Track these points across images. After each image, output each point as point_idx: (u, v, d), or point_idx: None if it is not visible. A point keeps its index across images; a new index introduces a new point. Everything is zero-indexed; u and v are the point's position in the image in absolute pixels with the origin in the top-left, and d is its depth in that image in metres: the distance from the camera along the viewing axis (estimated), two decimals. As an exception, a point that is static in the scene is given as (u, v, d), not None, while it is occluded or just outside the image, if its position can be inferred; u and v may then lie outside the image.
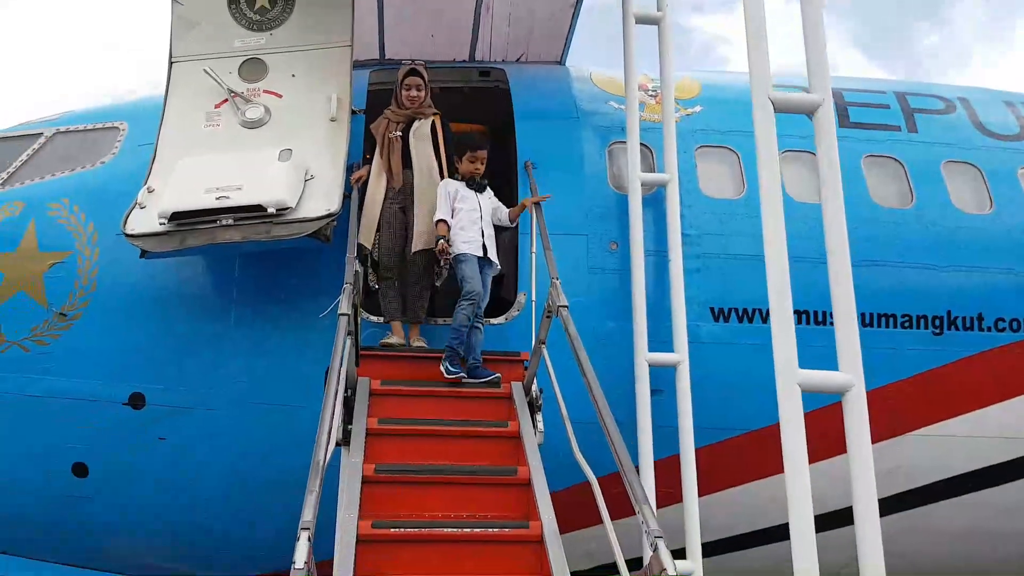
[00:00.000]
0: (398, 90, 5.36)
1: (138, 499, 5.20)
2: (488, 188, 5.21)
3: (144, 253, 4.78)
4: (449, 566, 3.56)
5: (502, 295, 5.49)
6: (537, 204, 5.06)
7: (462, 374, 4.65)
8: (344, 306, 3.84)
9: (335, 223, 4.76)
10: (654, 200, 5.29)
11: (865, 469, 3.13)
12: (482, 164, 5.18)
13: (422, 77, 5.37)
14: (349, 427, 4.30)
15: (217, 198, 4.62)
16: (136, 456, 5.13)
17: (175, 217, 4.62)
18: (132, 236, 4.69)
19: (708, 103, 5.90)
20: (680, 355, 4.86)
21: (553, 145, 5.56)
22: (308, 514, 2.59)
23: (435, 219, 5.03)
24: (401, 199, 5.22)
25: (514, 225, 5.23)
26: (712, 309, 5.16)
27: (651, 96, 5.79)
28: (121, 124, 5.75)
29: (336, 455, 4.47)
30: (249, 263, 5.19)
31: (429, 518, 3.78)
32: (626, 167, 5.33)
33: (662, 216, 5.21)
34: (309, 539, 2.47)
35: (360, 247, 4.94)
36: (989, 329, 5.33)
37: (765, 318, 5.06)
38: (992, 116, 6.11)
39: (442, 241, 4.90)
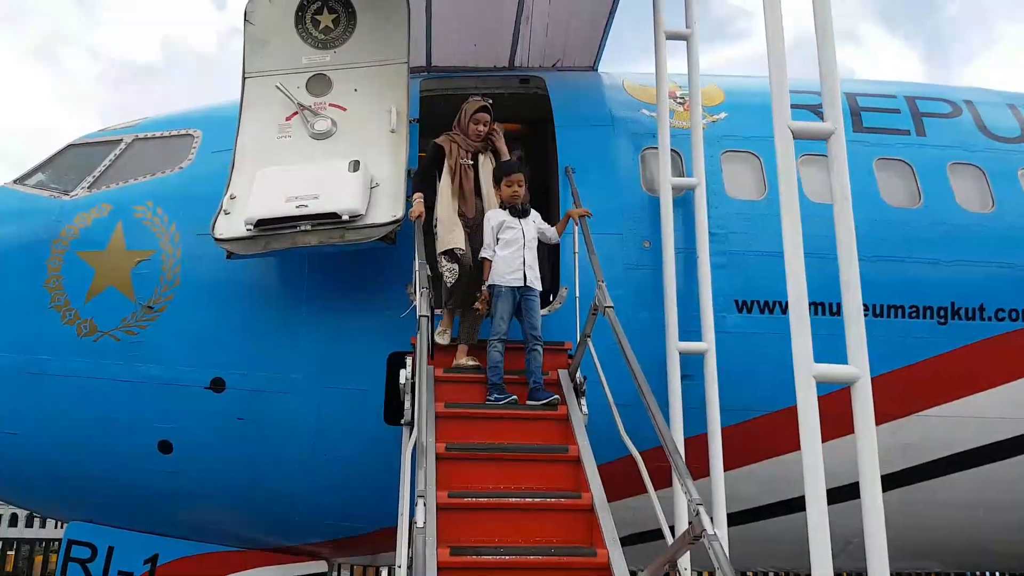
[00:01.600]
0: (465, 119, 5.64)
1: (218, 473, 5.83)
2: (532, 211, 5.44)
3: (230, 255, 5.37)
4: (513, 530, 4.16)
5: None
6: (578, 205, 5.59)
7: (512, 397, 4.92)
8: (423, 308, 4.37)
9: (400, 227, 5.34)
10: (683, 202, 5.83)
11: (870, 449, 3.67)
12: (520, 187, 5.36)
13: (490, 113, 5.69)
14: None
15: (297, 207, 5.19)
16: (217, 435, 5.77)
17: (260, 224, 5.21)
18: (221, 240, 5.28)
19: (732, 110, 6.41)
20: (708, 344, 5.42)
21: (591, 151, 6.09)
22: (421, 485, 3.17)
23: (480, 256, 5.30)
24: (470, 223, 5.51)
25: (558, 241, 5.58)
26: (736, 302, 5.72)
27: (679, 103, 6.31)
28: (195, 132, 6.32)
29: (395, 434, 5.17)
30: (318, 261, 5.76)
31: (493, 490, 4.40)
32: (658, 171, 5.87)
33: (691, 216, 5.76)
34: (424, 504, 3.06)
35: (453, 252, 5.29)
36: (990, 319, 5.87)
37: (784, 309, 5.58)
38: (995, 119, 6.60)
39: (484, 295, 5.18)
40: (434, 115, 6.32)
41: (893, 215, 5.98)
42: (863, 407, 3.77)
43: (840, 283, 3.89)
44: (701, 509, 3.27)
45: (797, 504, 5.22)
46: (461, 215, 5.49)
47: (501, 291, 5.15)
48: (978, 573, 13.30)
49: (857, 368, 3.81)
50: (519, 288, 5.15)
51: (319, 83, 5.91)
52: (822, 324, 4.68)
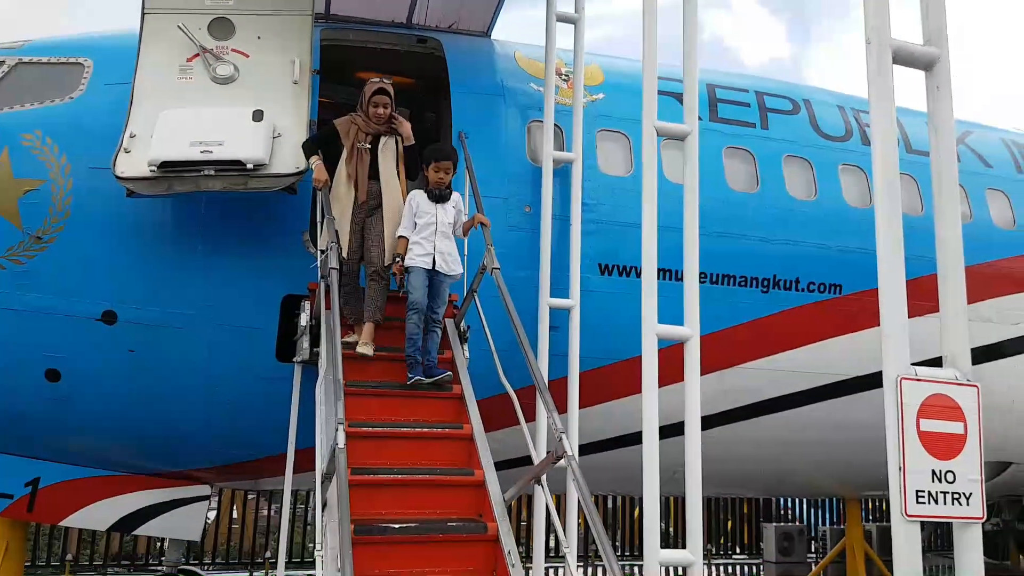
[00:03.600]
0: (365, 101, 5.82)
1: (107, 402, 6.16)
2: (455, 196, 5.72)
3: (131, 193, 5.65)
4: (405, 454, 4.94)
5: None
6: (471, 172, 6.27)
7: (419, 377, 5.29)
8: (334, 261, 4.96)
9: (302, 178, 5.82)
10: (561, 173, 6.67)
11: (694, 396, 4.64)
12: (447, 174, 5.64)
13: (390, 96, 5.85)
14: (316, 350, 5.55)
15: (202, 152, 5.53)
16: (106, 365, 6.09)
17: (163, 166, 5.51)
18: (122, 179, 5.54)
19: (610, 90, 7.28)
20: (574, 300, 6.35)
21: (483, 118, 6.77)
22: (341, 414, 3.85)
23: (397, 234, 5.58)
24: (364, 210, 5.70)
25: (466, 238, 5.91)
26: (600, 265, 6.69)
27: (564, 80, 7.08)
28: (85, 61, 6.38)
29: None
30: (216, 202, 6.09)
31: (387, 421, 5.14)
32: (541, 144, 6.66)
33: (567, 187, 6.62)
34: (344, 431, 3.74)
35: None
36: (803, 290, 7.22)
37: (639, 274, 6.59)
38: (826, 118, 7.90)
39: (398, 262, 5.46)
40: (333, 65, 6.72)
41: (735, 197, 7.14)
42: (692, 361, 4.78)
43: (684, 261, 4.86)
44: (563, 436, 4.17)
45: (636, 438, 6.40)
46: (353, 197, 5.68)
47: (412, 270, 5.47)
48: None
49: (690, 329, 4.83)
50: (429, 270, 5.46)
51: (222, 27, 6.15)
52: (672, 288, 5.70)
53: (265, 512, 14.83)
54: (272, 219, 6.20)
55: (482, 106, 6.83)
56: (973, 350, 8.04)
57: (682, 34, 5.17)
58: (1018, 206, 8.44)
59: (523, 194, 6.66)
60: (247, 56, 6.12)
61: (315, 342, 5.61)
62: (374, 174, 5.77)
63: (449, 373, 5.39)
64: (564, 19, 6.69)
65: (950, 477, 3.05)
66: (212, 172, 5.56)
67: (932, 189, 3.40)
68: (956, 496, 3.06)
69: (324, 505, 4.17)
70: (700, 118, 6.78)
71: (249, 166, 5.59)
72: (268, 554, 13.17)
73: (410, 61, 7.35)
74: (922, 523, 3.03)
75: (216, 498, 11.01)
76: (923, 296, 3.79)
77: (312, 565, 13.32)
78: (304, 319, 5.62)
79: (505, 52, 7.38)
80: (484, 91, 6.92)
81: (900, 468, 2.96)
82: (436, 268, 5.47)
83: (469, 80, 6.92)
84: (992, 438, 8.23)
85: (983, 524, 11.18)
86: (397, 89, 7.35)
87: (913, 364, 3.14)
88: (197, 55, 6.06)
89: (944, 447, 3.04)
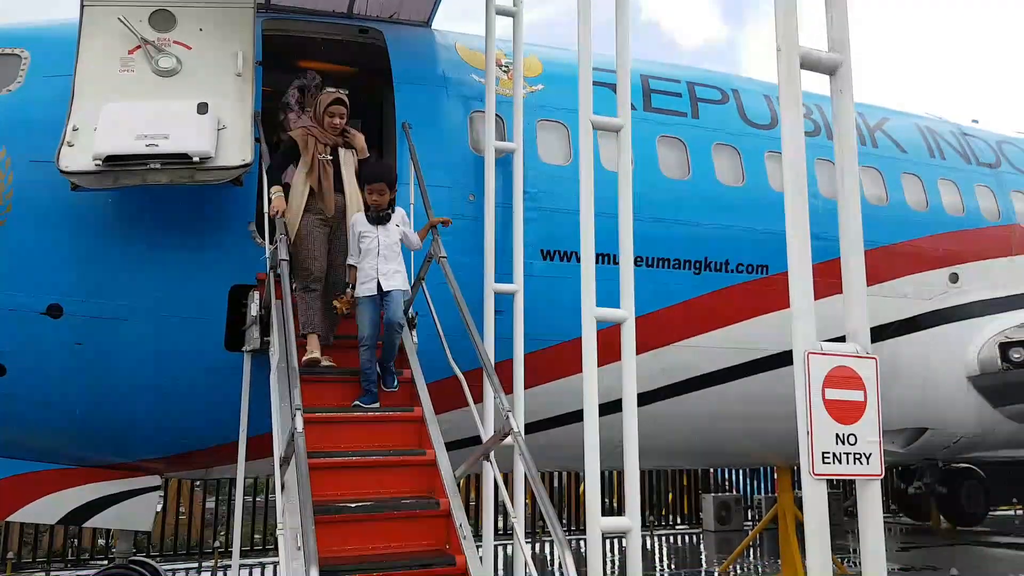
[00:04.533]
0: (320, 111, 5.94)
1: (55, 396, 6.23)
2: (397, 212, 5.75)
3: (75, 186, 5.71)
4: (358, 438, 5.20)
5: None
6: (416, 163, 6.50)
7: (375, 404, 5.43)
8: (283, 252, 5.15)
9: (248, 170, 5.97)
10: (503, 162, 6.95)
11: (631, 375, 4.97)
12: (380, 195, 5.62)
13: (346, 106, 5.97)
14: (267, 339, 5.75)
15: (147, 145, 5.64)
16: (53, 359, 6.15)
17: (108, 159, 5.60)
18: (67, 173, 5.60)
19: (548, 81, 7.59)
20: (517, 285, 6.67)
21: (426, 109, 7.00)
22: (298, 400, 4.08)
23: (347, 263, 5.65)
24: (329, 221, 5.78)
25: (420, 247, 5.98)
26: (542, 251, 7.03)
27: (504, 72, 7.35)
28: (22, 52, 6.38)
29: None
30: (162, 194, 6.18)
31: (342, 406, 5.39)
32: (483, 134, 6.92)
33: (509, 176, 6.91)
34: (302, 416, 3.98)
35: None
36: (732, 271, 7.69)
37: (578, 259, 6.92)
38: (754, 108, 8.36)
39: (348, 293, 5.57)
40: (275, 56, 6.84)
41: (668, 184, 7.55)
42: (628, 342, 5.13)
43: (619, 247, 5.21)
44: (510, 414, 4.49)
45: (579, 416, 6.76)
46: (318, 213, 5.79)
47: (360, 300, 5.56)
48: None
49: (626, 311, 5.19)
50: (375, 296, 5.52)
51: (163, 18, 6.23)
52: (611, 271, 6.04)
53: (211, 504, 14.93)
54: (218, 210, 6.34)
55: (425, 97, 7.06)
56: (893, 324, 8.77)
57: (615, 31, 5.47)
58: (930, 189, 9.09)
59: (466, 183, 6.93)
60: (189, 48, 6.22)
61: (265, 331, 5.81)
62: (339, 187, 5.86)
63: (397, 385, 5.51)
64: (503, 12, 6.95)
65: (852, 440, 3.45)
66: (158, 165, 5.67)
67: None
68: (857, 456, 3.47)
69: (283, 487, 4.41)
70: (634, 107, 7.18)
71: (195, 159, 5.71)
72: (217, 544, 13.27)
73: (352, 51, 7.51)
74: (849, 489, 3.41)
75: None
76: (839, 275, 4.19)
77: (261, 554, 13.64)
78: (254, 309, 5.80)
79: (446, 43, 7.60)
80: (427, 82, 7.14)
81: (808, 432, 3.36)
82: (382, 290, 5.51)
83: (412, 71, 7.13)
84: (909, 405, 9.05)
85: (908, 488, 12.10)
86: (339, 78, 7.54)
87: (827, 340, 3.55)
88: (138, 47, 6.13)
89: (846, 413, 3.45)
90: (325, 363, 5.68)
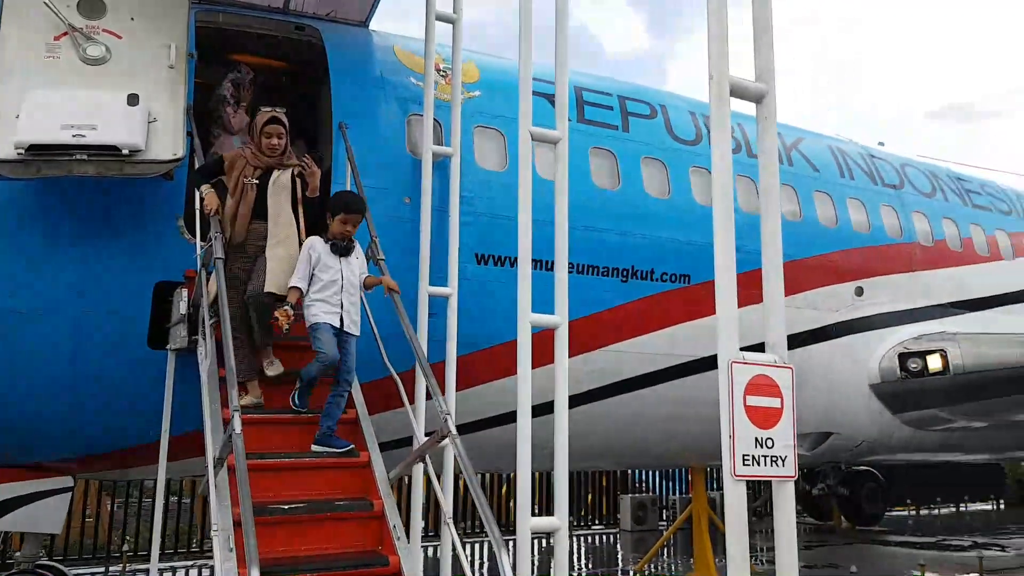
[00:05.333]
0: (256, 133, 5.71)
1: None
2: (357, 248, 5.48)
3: (-5, 176, 5.52)
4: (291, 440, 5.23)
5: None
6: (353, 163, 6.53)
7: (305, 411, 5.20)
8: (218, 251, 5.11)
9: (179, 165, 5.89)
10: (440, 166, 7.06)
11: (563, 379, 5.16)
12: (354, 227, 5.39)
13: (283, 125, 5.69)
14: (195, 338, 5.70)
15: (74, 136, 5.49)
16: None
17: (32, 148, 5.44)
18: None
19: (485, 88, 7.74)
20: (452, 288, 6.78)
21: (364, 110, 7.04)
22: (236, 401, 4.11)
23: (290, 284, 5.23)
24: (240, 253, 5.50)
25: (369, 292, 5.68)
26: (476, 255, 7.17)
27: (442, 76, 7.46)
28: None
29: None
30: (83, 184, 5.97)
31: (275, 408, 5.39)
32: (421, 137, 7.02)
33: (446, 180, 7.02)
34: (240, 418, 4.00)
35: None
36: (657, 280, 8.02)
37: (513, 263, 7.12)
38: (680, 123, 8.73)
39: (285, 310, 5.05)
40: (208, 49, 6.76)
41: (599, 195, 7.81)
42: (561, 346, 5.34)
43: (554, 253, 5.39)
44: (448, 417, 4.62)
45: (507, 419, 6.92)
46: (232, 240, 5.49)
47: (319, 326, 5.17)
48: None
49: (559, 317, 5.39)
50: (337, 329, 5.20)
51: (92, 5, 6.05)
52: (542, 276, 6.23)
53: (115, 507, 14.52)
54: (145, 205, 6.23)
55: (362, 97, 7.10)
56: (802, 333, 9.27)
57: (555, 46, 5.66)
58: (840, 206, 9.67)
59: (403, 185, 7.01)
60: (119, 37, 6.07)
61: (194, 330, 5.75)
62: (260, 212, 5.57)
63: (352, 446, 5.15)
64: (443, 19, 7.06)
65: (769, 443, 3.73)
66: (85, 157, 5.54)
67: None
68: (774, 459, 3.74)
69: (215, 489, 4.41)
70: (569, 119, 7.38)
71: (124, 152, 5.61)
72: (126, 547, 12.97)
73: (287, 48, 7.48)
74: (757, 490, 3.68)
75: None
76: (756, 286, 4.50)
77: (171, 558, 13.28)
78: (183, 307, 5.73)
79: (384, 44, 7.65)
80: (364, 82, 7.19)
81: (730, 436, 3.60)
82: (344, 328, 5.24)
83: (349, 71, 7.16)
84: (817, 411, 9.59)
85: (811, 490, 12.92)
86: (274, 75, 7.48)
87: (744, 348, 3.81)
88: (65, 34, 5.95)
89: (765, 418, 3.72)
90: (254, 402, 5.41)
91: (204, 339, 5.34)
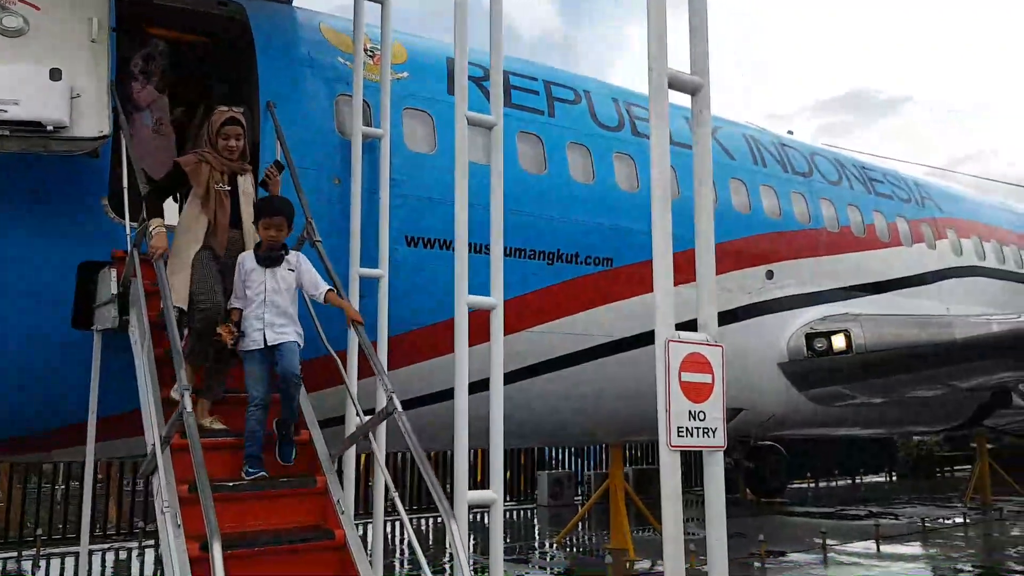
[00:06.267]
0: (213, 135, 5.41)
1: None
2: (293, 257, 5.18)
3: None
4: (228, 418, 5.26)
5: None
6: (283, 143, 6.51)
7: (262, 473, 4.79)
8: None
9: (105, 142, 5.78)
10: (370, 148, 7.12)
11: (498, 359, 5.40)
12: (279, 231, 5.06)
13: (242, 125, 5.43)
14: (126, 318, 5.64)
15: None
16: None
17: None
18: None
19: (413, 69, 7.81)
20: (383, 270, 6.88)
21: (292, 89, 7.01)
22: (184, 380, 4.14)
23: (228, 307, 5.01)
24: (222, 258, 5.21)
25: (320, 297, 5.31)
26: (407, 237, 7.28)
27: (370, 56, 7.50)
28: None
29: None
30: (3, 161, 5.81)
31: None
32: (349, 118, 7.05)
33: (375, 161, 7.09)
34: (192, 397, 4.05)
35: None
36: (581, 263, 8.33)
37: (443, 246, 7.28)
38: (603, 109, 9.04)
39: (227, 326, 4.87)
40: (127, 22, 6.60)
41: (526, 179, 8.04)
42: (497, 327, 5.56)
43: (490, 236, 5.58)
44: (393, 394, 4.76)
45: (437, 397, 7.10)
46: (207, 248, 5.21)
47: (246, 356, 4.97)
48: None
49: (495, 299, 5.60)
50: (261, 350, 4.94)
51: None
52: (473, 259, 6.41)
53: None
54: (69, 183, 6.08)
55: (290, 76, 7.07)
56: (717, 314, 9.75)
57: (489, 34, 5.81)
58: (753, 193, 10.23)
59: (332, 166, 7.04)
60: (37, 9, 5.89)
61: (124, 310, 5.68)
62: (235, 221, 5.35)
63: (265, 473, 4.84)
64: (372, -1, 7.10)
65: (701, 416, 4.06)
66: (7, 133, 5.39)
67: (693, 180, 4.38)
68: (706, 430, 4.08)
69: (154, 470, 4.44)
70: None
71: (49, 128, 5.47)
72: (40, 531, 12.89)
73: (210, 23, 7.36)
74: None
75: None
76: (679, 269, 4.80)
77: (75, 541, 13.02)
78: (113, 286, 5.65)
79: (310, 23, 7.61)
80: (292, 61, 7.15)
81: (667, 410, 3.91)
82: (268, 344, 4.94)
83: (276, 49, 7.11)
84: (729, 388, 10.10)
85: None
86: (195, 51, 7.35)
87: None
88: (-22, 3, 5.74)
89: (698, 393, 4.04)
90: (211, 424, 5.16)
91: (137, 320, 5.29)
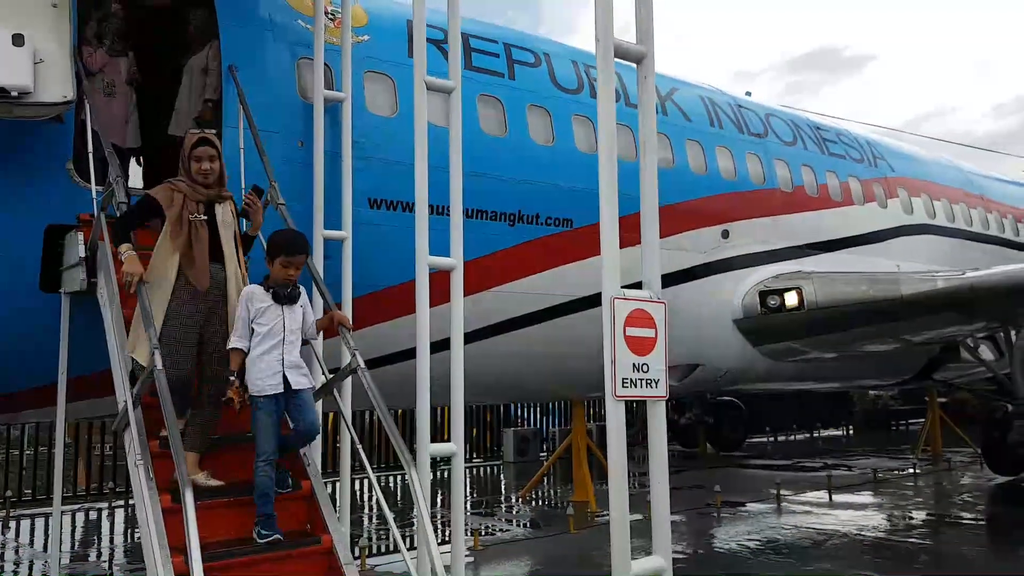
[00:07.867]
0: (185, 158, 4.98)
1: None
2: (302, 292, 4.87)
3: None
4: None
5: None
6: (246, 107, 6.67)
7: (277, 535, 4.45)
8: (121, 195, 5.23)
9: (70, 108, 5.90)
10: (332, 111, 7.30)
11: (458, 318, 5.69)
12: (297, 271, 4.75)
13: (215, 147, 5.01)
14: (93, 280, 5.82)
15: None
16: None
17: None
18: None
19: (374, 32, 7.96)
20: (347, 232, 7.12)
21: (253, 52, 7.13)
22: (155, 340, 4.38)
23: (229, 346, 4.64)
24: (203, 302, 4.78)
25: (318, 338, 5.25)
26: (370, 199, 7.51)
27: (330, 19, 7.63)
28: None
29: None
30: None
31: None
32: (311, 81, 7.22)
33: (338, 124, 7.28)
34: (159, 355, 4.28)
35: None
36: (541, 224, 8.63)
37: (405, 208, 7.52)
38: (563, 72, 9.26)
39: (235, 387, 4.53)
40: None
41: (487, 140, 8.28)
42: (457, 288, 5.84)
43: (449, 198, 5.85)
44: (357, 352, 5.06)
45: (400, 356, 7.38)
46: (187, 286, 4.78)
47: (259, 402, 4.56)
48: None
49: (455, 260, 5.89)
50: (280, 395, 4.60)
51: None
52: (434, 220, 6.66)
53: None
54: (33, 147, 6.20)
55: (251, 39, 7.19)
56: (673, 273, 10.26)
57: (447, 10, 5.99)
58: (709, 154, 10.57)
59: (295, 129, 7.21)
60: (-4, -27, 5.94)
61: (92, 272, 5.86)
62: (216, 255, 4.91)
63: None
64: (333, -39, 7.22)
65: (645, 368, 4.39)
66: None
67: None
68: (649, 382, 4.42)
69: (126, 425, 4.69)
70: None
71: (13, 94, 5.58)
72: (9, 492, 13.15)
73: None
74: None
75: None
76: (634, 229, 5.13)
77: (46, 503, 13.38)
78: (81, 249, 5.82)
79: (271, -15, 7.71)
80: (253, 24, 7.25)
81: (612, 362, 4.24)
82: (293, 387, 4.63)
83: (237, 11, 7.20)
84: (686, 345, 10.65)
85: (680, 419, 14.41)
86: (154, 14, 7.41)
87: (626, 286, 4.44)
88: (-69, -35, 5.78)
89: (641, 347, 4.38)
90: (206, 480, 4.75)
91: (105, 282, 5.47)
